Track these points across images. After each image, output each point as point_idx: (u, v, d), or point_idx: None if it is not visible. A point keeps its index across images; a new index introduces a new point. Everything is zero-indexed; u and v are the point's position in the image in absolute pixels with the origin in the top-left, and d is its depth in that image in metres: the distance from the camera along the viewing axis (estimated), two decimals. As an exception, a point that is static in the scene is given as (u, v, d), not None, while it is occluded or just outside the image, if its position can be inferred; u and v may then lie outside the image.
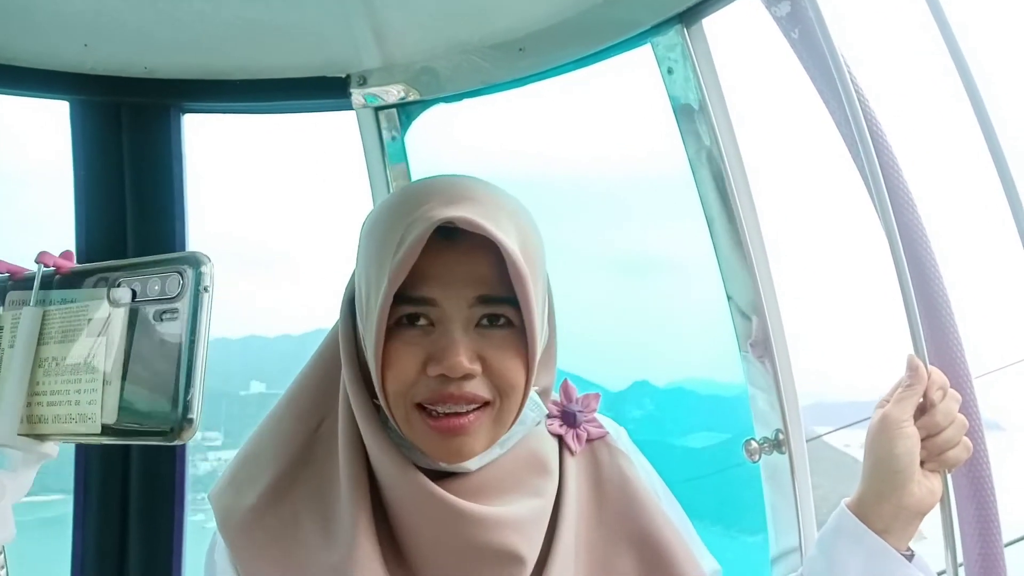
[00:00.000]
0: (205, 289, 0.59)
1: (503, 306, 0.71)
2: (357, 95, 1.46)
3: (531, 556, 0.72)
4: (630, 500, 0.80)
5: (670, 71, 1.16)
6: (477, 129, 1.61)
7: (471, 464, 0.74)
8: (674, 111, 1.19)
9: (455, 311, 0.70)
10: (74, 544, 1.48)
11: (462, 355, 0.68)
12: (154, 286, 0.61)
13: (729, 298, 1.21)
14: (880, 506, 0.79)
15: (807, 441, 1.16)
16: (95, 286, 0.64)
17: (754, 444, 1.13)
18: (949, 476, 0.82)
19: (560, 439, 0.83)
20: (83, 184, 1.47)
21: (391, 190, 1.51)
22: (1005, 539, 0.94)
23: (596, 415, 0.86)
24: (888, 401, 0.81)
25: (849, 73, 0.91)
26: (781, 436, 1.14)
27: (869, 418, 0.82)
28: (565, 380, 0.84)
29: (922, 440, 0.79)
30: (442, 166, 1.58)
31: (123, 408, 0.60)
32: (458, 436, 0.70)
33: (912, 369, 0.81)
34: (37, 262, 0.68)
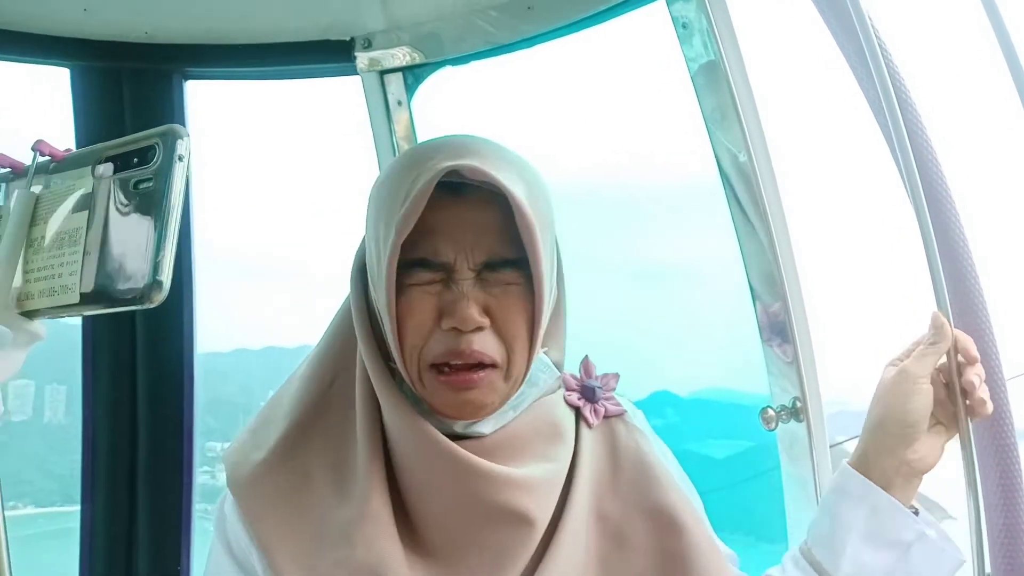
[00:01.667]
0: (180, 158, 0.61)
1: (510, 265, 0.71)
2: (362, 58, 1.43)
3: (541, 519, 0.72)
4: (645, 474, 0.80)
5: (684, 26, 1.12)
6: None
7: (485, 427, 0.74)
8: (688, 69, 1.15)
9: (464, 266, 0.70)
10: (81, 549, 1.48)
11: (472, 308, 0.69)
12: (133, 158, 0.63)
13: (746, 268, 1.17)
14: (883, 459, 0.77)
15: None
16: (83, 166, 0.67)
17: (771, 412, 1.11)
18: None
19: (578, 411, 0.83)
20: (85, 153, 1.45)
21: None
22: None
23: (614, 395, 0.85)
24: (901, 360, 0.79)
25: (873, 28, 0.87)
26: (799, 404, 1.11)
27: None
28: (586, 357, 0.84)
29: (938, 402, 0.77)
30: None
31: (100, 276, 0.62)
32: (470, 389, 0.71)
33: (937, 327, 0.78)
34: (33, 150, 0.71)
